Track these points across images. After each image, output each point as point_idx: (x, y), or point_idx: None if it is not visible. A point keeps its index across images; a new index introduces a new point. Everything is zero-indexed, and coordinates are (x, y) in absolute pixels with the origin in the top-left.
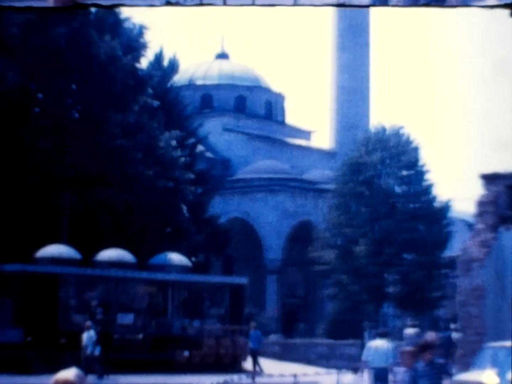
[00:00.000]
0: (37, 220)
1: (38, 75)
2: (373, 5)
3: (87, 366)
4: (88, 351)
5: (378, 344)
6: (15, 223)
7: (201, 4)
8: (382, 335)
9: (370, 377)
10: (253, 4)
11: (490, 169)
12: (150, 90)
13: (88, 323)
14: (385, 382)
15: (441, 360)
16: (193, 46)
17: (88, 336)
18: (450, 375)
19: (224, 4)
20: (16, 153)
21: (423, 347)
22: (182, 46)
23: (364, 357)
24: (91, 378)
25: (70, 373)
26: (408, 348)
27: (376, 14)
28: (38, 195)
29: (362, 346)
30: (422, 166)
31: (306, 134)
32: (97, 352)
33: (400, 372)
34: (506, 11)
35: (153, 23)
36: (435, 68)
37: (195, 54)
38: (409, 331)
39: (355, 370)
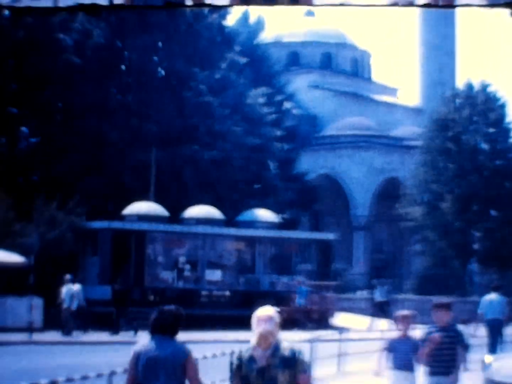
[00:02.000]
0: (124, 177)
1: (123, 33)
2: (372, 5)
3: (66, 320)
4: (65, 305)
5: (493, 298)
6: (102, 180)
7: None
8: (496, 289)
9: (485, 328)
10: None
11: None
12: (237, 47)
13: (67, 276)
14: (500, 333)
15: (459, 327)
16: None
17: (66, 290)
18: (467, 347)
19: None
20: (102, 109)
21: (437, 307)
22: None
23: (479, 309)
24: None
25: (270, 309)
26: (404, 312)
27: None
28: (125, 152)
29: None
30: (509, 123)
31: (392, 91)
32: (74, 307)
33: (396, 340)
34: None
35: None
36: None
37: (281, 13)
38: None
39: (465, 322)
